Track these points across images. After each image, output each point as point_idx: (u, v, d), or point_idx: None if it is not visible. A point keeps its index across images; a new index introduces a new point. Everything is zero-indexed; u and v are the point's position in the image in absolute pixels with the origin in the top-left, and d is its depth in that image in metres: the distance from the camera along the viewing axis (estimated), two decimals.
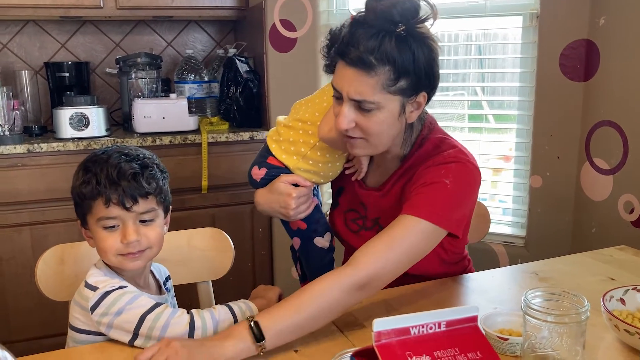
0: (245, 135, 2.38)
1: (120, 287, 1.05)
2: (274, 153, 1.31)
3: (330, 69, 1.17)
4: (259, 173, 1.32)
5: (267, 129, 2.39)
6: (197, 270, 1.43)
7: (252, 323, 0.94)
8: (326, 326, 1.03)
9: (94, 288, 1.05)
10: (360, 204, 1.33)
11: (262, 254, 2.48)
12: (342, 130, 1.13)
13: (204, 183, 2.35)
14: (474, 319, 0.56)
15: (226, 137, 2.36)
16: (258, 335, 0.92)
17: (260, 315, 0.96)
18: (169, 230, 1.19)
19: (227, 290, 1.54)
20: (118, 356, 1.01)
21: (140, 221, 1.08)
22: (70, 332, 1.12)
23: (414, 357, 0.50)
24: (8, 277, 2.19)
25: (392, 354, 0.50)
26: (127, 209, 1.05)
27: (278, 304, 1.01)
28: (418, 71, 1.08)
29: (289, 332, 0.96)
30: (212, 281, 1.44)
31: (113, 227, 1.06)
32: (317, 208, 1.34)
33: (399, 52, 1.05)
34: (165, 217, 1.15)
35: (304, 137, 1.28)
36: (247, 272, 2.44)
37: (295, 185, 1.27)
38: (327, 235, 1.37)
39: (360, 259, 1.04)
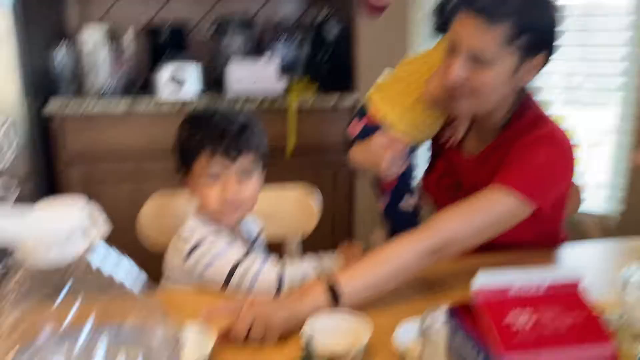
0: (333, 100, 2.39)
1: (212, 238, 1.10)
2: (374, 104, 1.32)
3: (443, 26, 1.16)
4: (355, 128, 1.34)
5: (356, 94, 2.39)
6: (282, 228, 1.47)
7: (329, 282, 0.96)
8: (403, 284, 1.04)
9: (187, 239, 1.12)
10: (454, 170, 1.31)
11: (342, 224, 2.51)
12: (451, 83, 1.11)
13: (290, 147, 2.38)
14: (577, 284, 0.55)
15: (313, 102, 2.38)
16: (334, 295, 0.95)
17: (337, 274, 0.99)
18: None
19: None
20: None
21: (241, 175, 1.12)
22: (166, 283, 1.18)
23: (514, 314, 0.50)
24: (115, 228, 2.34)
25: (493, 309, 0.50)
26: (231, 163, 1.10)
27: (355, 264, 1.02)
28: (542, 28, 1.05)
29: (364, 291, 0.98)
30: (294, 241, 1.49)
31: (215, 179, 1.11)
32: (409, 169, 1.35)
33: (526, 6, 1.04)
34: (262, 172, 1.20)
35: (407, 90, 1.29)
36: (327, 239, 2.48)
37: (391, 143, 1.28)
38: (414, 198, 1.37)
39: (438, 224, 1.05)
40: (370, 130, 1.33)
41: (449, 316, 0.54)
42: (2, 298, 0.49)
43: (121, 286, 0.54)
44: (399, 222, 1.41)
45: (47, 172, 2.28)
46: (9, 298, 0.49)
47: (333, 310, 0.93)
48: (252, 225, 1.32)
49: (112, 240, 2.06)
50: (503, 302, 0.50)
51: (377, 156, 1.28)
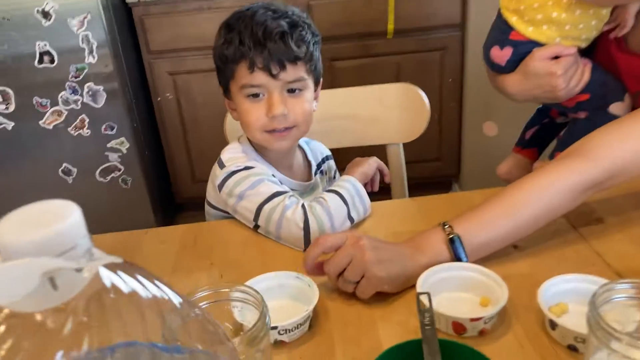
0: None
1: (246, 168, 0.94)
2: (517, 29, 1.03)
3: None
4: (503, 55, 1.05)
5: None
6: (387, 130, 1.29)
7: (451, 237, 0.76)
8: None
9: (222, 165, 0.96)
10: (616, 70, 1.02)
11: (450, 107, 2.26)
12: None
13: (390, 27, 2.11)
14: None
15: None
16: (459, 255, 0.75)
17: (458, 224, 0.77)
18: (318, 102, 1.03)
19: (413, 148, 1.39)
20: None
21: (288, 91, 0.93)
22: (205, 206, 1.07)
23: None
24: (203, 122, 2.29)
25: None
26: (274, 76, 0.90)
27: (481, 208, 0.79)
28: None
29: (496, 242, 0.78)
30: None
31: (258, 96, 0.93)
32: (595, 68, 1.03)
33: None
34: (315, 90, 0.99)
35: None
36: (433, 127, 2.26)
37: (556, 57, 1.00)
38: (627, 98, 1.04)
39: (598, 150, 0.79)
40: (523, 51, 1.03)
41: None
42: None
43: None
44: None
45: (136, 65, 2.20)
46: None
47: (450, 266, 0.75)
48: (316, 152, 1.14)
49: (199, 133, 1.98)
50: None
51: (545, 85, 1.01)
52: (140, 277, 0.33)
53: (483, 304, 0.70)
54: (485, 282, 0.71)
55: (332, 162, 1.19)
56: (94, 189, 2.19)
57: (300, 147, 1.11)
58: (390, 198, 1.35)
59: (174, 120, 2.30)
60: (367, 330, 0.69)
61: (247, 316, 0.57)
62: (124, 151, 2.15)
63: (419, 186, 2.33)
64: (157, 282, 0.34)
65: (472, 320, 0.65)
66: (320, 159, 1.15)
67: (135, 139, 2.15)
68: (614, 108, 1.03)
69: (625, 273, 0.75)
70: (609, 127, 0.81)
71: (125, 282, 0.31)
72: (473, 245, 0.75)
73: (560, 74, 0.98)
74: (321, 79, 1.02)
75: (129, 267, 0.33)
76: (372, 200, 0.99)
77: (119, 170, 2.18)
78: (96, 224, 0.46)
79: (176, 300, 0.35)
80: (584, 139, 0.81)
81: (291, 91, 0.94)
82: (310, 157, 1.11)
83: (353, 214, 0.91)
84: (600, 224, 0.86)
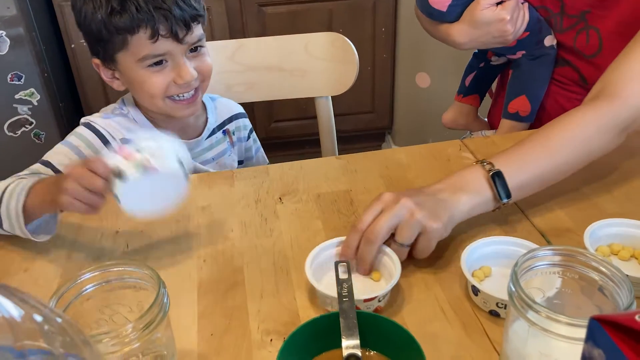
0: None
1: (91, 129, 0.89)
2: None
3: None
4: (443, 0, 1.01)
5: None
6: (315, 83, 1.22)
7: (492, 174, 0.70)
8: None
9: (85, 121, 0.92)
10: None
11: (383, 58, 2.20)
12: None
13: None
14: None
15: None
16: (503, 191, 0.70)
17: (500, 161, 0.72)
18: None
19: (344, 100, 1.34)
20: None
21: (191, 51, 0.87)
22: None
23: None
24: None
25: None
26: (179, 41, 0.82)
27: (519, 147, 0.74)
28: None
29: (535, 183, 0.74)
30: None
31: (161, 63, 0.85)
32: (529, 7, 1.04)
33: None
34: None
35: None
36: (367, 79, 2.21)
37: (499, 3, 0.99)
38: (551, 36, 1.06)
39: (623, 88, 0.76)
40: None
41: (596, 331, 0.32)
42: None
43: None
44: (543, 66, 1.09)
45: (45, 8, 2.00)
46: None
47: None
48: (222, 110, 1.06)
49: None
50: None
51: (495, 32, 1.00)
52: None
53: (375, 279, 0.67)
54: (378, 257, 0.67)
55: (244, 121, 1.10)
56: (3, 144, 2.01)
57: (202, 101, 1.02)
58: (320, 152, 1.30)
59: (91, 70, 2.11)
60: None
61: (143, 297, 0.51)
62: (35, 103, 1.97)
63: (352, 139, 2.30)
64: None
65: (366, 300, 0.61)
66: (226, 117, 1.06)
67: (47, 90, 1.97)
68: (548, 40, 1.05)
69: (550, 234, 0.74)
70: (622, 63, 0.78)
71: None
72: (514, 184, 0.71)
73: (508, 19, 0.98)
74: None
75: None
76: (304, 157, 0.94)
77: (30, 123, 2.01)
78: None
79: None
80: (610, 73, 0.78)
81: (193, 50, 0.87)
82: (209, 114, 1.02)
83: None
84: None
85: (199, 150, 1.00)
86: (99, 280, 0.49)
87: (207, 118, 1.01)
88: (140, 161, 0.59)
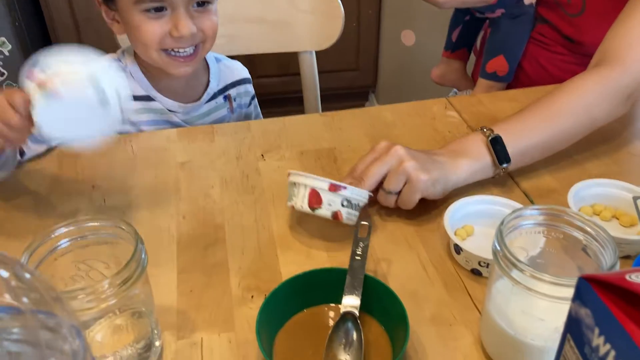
0: None
1: None
2: None
3: None
4: None
5: None
6: (298, 37, 1.18)
7: (491, 139, 0.70)
8: None
9: None
10: None
11: (369, 14, 2.15)
12: None
13: None
14: None
15: None
16: (501, 156, 0.70)
17: (500, 127, 0.71)
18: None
19: (327, 57, 1.30)
20: None
21: (198, 4, 0.81)
22: None
23: None
24: (98, 18, 2.04)
25: None
26: None
27: (520, 113, 0.73)
28: None
29: (536, 150, 0.73)
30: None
31: (160, 10, 0.80)
32: None
33: None
34: None
35: None
36: (352, 36, 2.16)
37: None
38: None
39: (624, 54, 0.74)
40: None
41: (583, 290, 0.31)
42: None
43: None
44: (521, 24, 1.09)
45: None
46: None
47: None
48: (225, 73, 0.99)
49: (94, 33, 1.69)
50: None
51: None
52: None
53: None
54: None
55: (247, 87, 1.03)
56: None
57: (205, 62, 0.97)
58: (302, 111, 1.27)
59: (65, 19, 2.04)
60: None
61: (120, 253, 0.50)
62: (6, 53, 1.90)
63: (335, 97, 2.26)
64: None
65: (332, 188, 0.61)
66: (229, 82, 0.99)
67: (19, 40, 1.89)
68: None
69: (534, 194, 0.73)
70: (622, 30, 0.77)
71: None
72: (514, 150, 0.70)
73: None
74: None
75: None
76: (286, 114, 0.91)
77: (2, 74, 1.94)
78: None
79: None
80: (610, 39, 0.77)
81: (200, 4, 0.82)
82: (211, 77, 0.96)
83: None
84: None
85: (196, 115, 0.95)
86: (74, 235, 0.48)
87: (208, 81, 0.96)
88: (47, 86, 0.56)
